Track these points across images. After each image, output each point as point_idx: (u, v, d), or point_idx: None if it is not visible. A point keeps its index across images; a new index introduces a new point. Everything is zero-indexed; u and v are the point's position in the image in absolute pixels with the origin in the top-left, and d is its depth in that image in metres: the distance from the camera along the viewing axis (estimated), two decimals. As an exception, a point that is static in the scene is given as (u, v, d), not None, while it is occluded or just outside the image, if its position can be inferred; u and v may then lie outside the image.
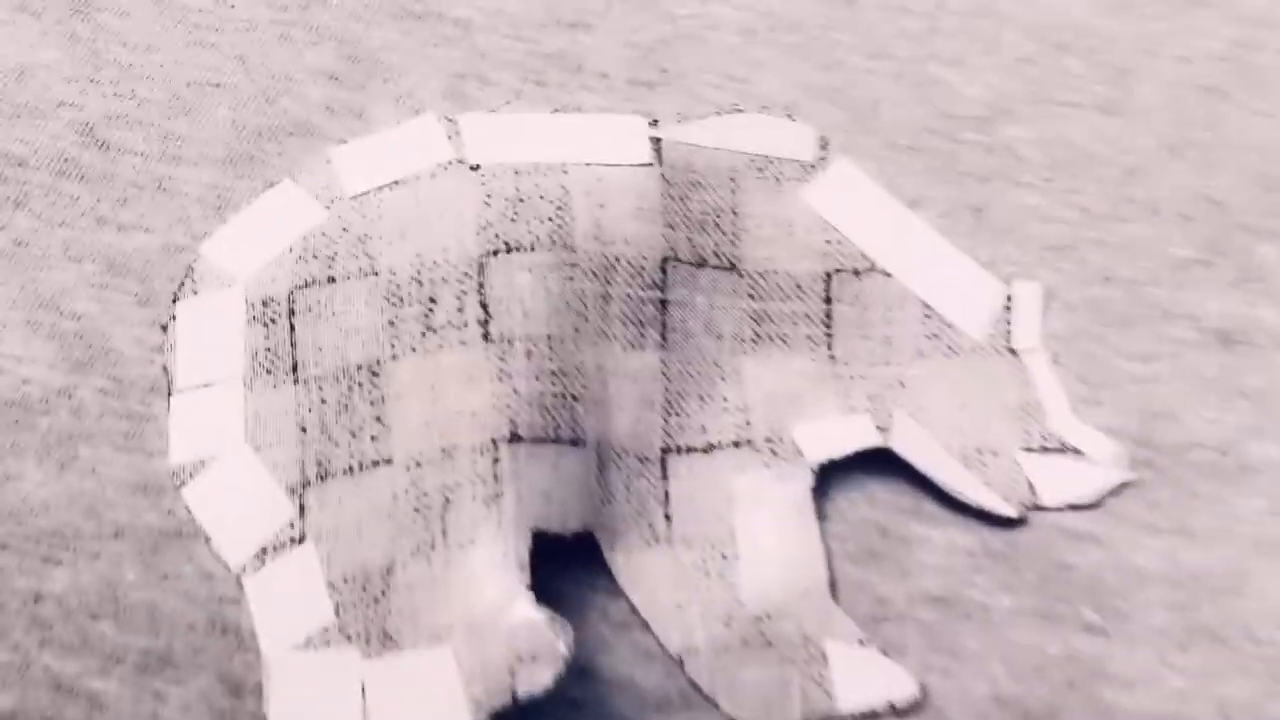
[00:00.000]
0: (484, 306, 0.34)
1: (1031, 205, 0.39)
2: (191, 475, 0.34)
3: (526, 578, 0.31)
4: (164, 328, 0.36)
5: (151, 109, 0.39)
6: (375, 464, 0.33)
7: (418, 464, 0.33)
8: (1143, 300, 0.38)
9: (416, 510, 0.32)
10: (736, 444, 0.35)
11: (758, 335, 0.36)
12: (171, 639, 0.32)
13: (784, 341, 0.36)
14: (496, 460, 0.32)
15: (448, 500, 0.32)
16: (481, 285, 0.34)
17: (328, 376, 0.34)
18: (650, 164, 0.37)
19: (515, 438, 0.32)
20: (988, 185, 0.39)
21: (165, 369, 0.35)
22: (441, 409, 0.33)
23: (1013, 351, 0.37)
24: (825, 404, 0.36)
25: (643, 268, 0.36)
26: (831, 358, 0.36)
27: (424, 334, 0.34)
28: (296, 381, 0.34)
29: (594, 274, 0.35)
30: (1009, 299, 0.37)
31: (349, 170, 0.37)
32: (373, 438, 0.33)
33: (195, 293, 0.36)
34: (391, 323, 0.34)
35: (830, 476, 0.35)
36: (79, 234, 0.37)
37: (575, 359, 0.34)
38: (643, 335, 0.35)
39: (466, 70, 0.40)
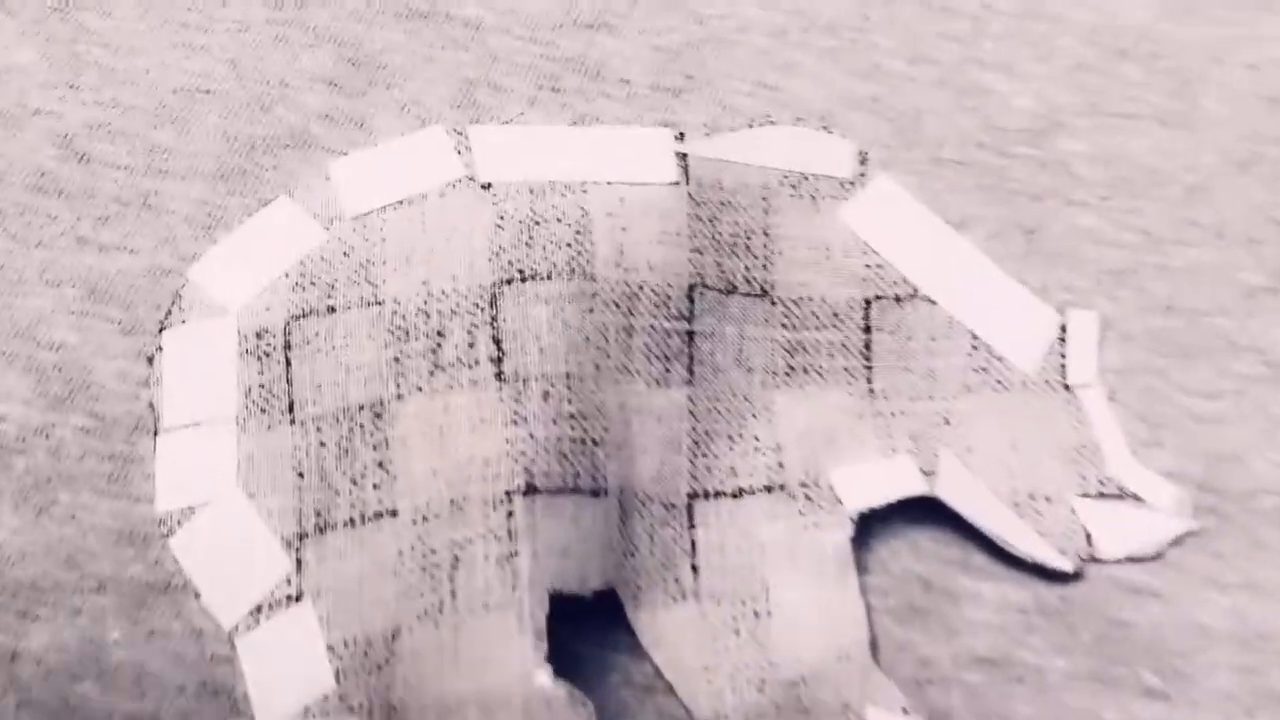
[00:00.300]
0: (497, 342, 0.31)
1: (1087, 226, 0.36)
2: (179, 523, 0.31)
3: (544, 646, 0.28)
4: (150, 360, 0.33)
5: (136, 118, 0.36)
6: (378, 516, 0.30)
7: (425, 517, 0.30)
8: (1208, 331, 0.35)
9: (423, 569, 0.30)
10: (769, 488, 0.33)
11: (791, 367, 0.34)
12: (159, 703, 0.30)
13: (819, 374, 0.34)
14: (511, 514, 0.30)
15: (457, 558, 0.29)
16: (494, 318, 0.32)
17: (327, 417, 0.31)
18: (677, 182, 0.34)
19: (531, 489, 0.30)
20: (1040, 204, 0.36)
21: (151, 405, 0.33)
22: (450, 456, 0.30)
23: (1067, 387, 0.34)
24: (864, 443, 0.33)
25: (668, 296, 0.33)
26: (871, 391, 0.34)
27: (431, 372, 0.31)
28: (293, 422, 0.32)
29: (615, 305, 0.32)
30: (1063, 329, 0.35)
31: (350, 186, 0.35)
32: (375, 486, 0.31)
33: (183, 322, 0.33)
34: (396, 359, 0.32)
35: (870, 524, 0.33)
36: (57, 255, 0.35)
37: (596, 399, 0.31)
38: (668, 371, 0.33)
39: (477, 75, 0.37)
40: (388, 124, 0.36)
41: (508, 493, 0.30)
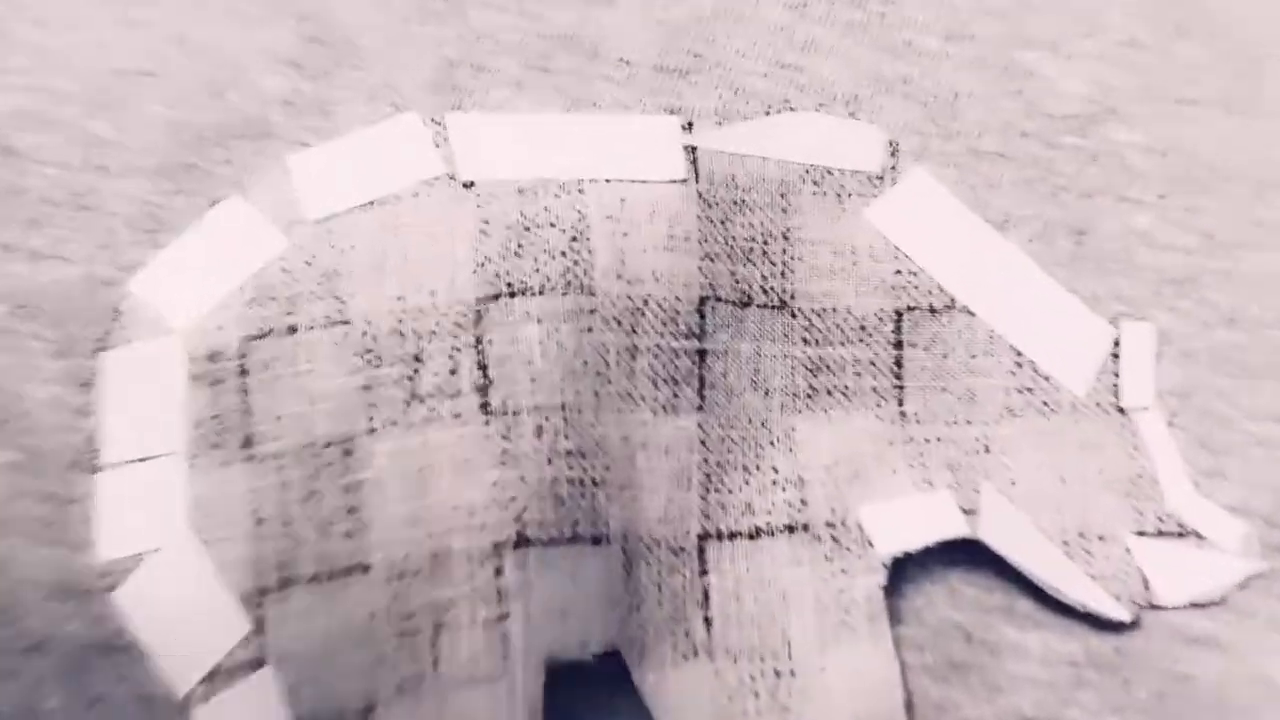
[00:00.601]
0: (482, 368, 0.28)
1: (1142, 228, 0.33)
2: (124, 574, 0.28)
3: (539, 723, 0.25)
4: (86, 385, 0.29)
5: (70, 105, 0.32)
6: (348, 571, 0.27)
7: (401, 574, 0.27)
8: (1275, 347, 0.32)
9: (400, 634, 0.26)
10: (790, 528, 0.29)
11: (813, 389, 0.30)
12: (102, 781, 0.26)
13: (845, 395, 0.30)
14: (499, 571, 0.26)
15: (439, 623, 0.26)
16: (479, 340, 0.28)
17: (289, 454, 0.28)
18: (685, 180, 0.30)
19: (523, 540, 0.26)
20: (1090, 202, 0.33)
21: (89, 438, 0.29)
22: (431, 502, 0.27)
23: (1121, 410, 0.31)
24: (896, 474, 0.30)
25: (676, 311, 0.29)
26: (902, 415, 0.30)
27: (408, 403, 0.28)
28: (250, 459, 0.28)
29: (617, 322, 0.29)
30: (1116, 344, 0.31)
31: (313, 184, 0.31)
32: (346, 535, 0.27)
33: (125, 341, 0.30)
34: (367, 387, 0.28)
35: (903, 566, 0.29)
36: (-20, 265, 0.31)
37: (595, 433, 0.28)
38: (676, 395, 0.29)
39: (458, 55, 0.33)
40: (356, 111, 0.32)
41: (496, 545, 0.26)
